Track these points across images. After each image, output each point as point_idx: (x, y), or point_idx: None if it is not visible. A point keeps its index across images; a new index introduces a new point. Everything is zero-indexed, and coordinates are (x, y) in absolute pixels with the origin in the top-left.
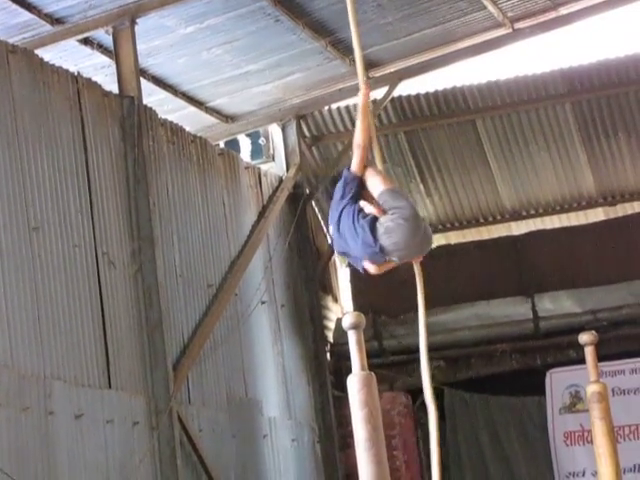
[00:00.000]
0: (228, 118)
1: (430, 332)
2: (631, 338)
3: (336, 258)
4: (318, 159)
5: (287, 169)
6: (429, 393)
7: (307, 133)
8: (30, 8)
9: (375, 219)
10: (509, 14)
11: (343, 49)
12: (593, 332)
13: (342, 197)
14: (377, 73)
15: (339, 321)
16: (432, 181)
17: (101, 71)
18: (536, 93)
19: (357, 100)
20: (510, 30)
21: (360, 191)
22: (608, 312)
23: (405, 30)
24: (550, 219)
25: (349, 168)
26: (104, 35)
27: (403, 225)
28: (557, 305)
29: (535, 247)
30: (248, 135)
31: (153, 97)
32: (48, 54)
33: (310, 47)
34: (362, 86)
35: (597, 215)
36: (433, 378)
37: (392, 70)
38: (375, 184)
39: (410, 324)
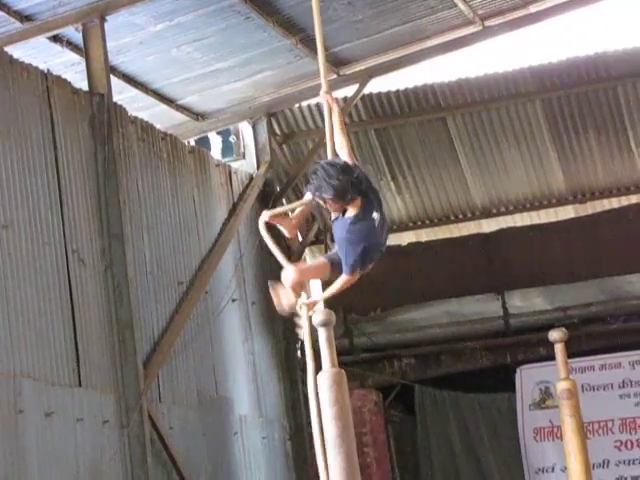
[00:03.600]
0: (198, 116)
1: (401, 329)
2: (601, 335)
3: (308, 258)
4: (289, 157)
5: (258, 167)
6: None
7: (278, 131)
8: None
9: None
10: (479, 12)
11: (313, 47)
12: (563, 329)
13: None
14: (347, 70)
15: (310, 318)
16: (403, 178)
17: (71, 68)
18: (506, 90)
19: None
20: (480, 28)
21: None
22: (578, 309)
23: (375, 28)
24: (520, 216)
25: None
26: (74, 32)
27: None
28: (527, 302)
29: (505, 244)
30: (219, 133)
31: (123, 95)
32: (17, 51)
33: (280, 45)
34: (327, 88)
35: (567, 212)
36: (404, 375)
37: (362, 67)
38: None
39: (380, 322)
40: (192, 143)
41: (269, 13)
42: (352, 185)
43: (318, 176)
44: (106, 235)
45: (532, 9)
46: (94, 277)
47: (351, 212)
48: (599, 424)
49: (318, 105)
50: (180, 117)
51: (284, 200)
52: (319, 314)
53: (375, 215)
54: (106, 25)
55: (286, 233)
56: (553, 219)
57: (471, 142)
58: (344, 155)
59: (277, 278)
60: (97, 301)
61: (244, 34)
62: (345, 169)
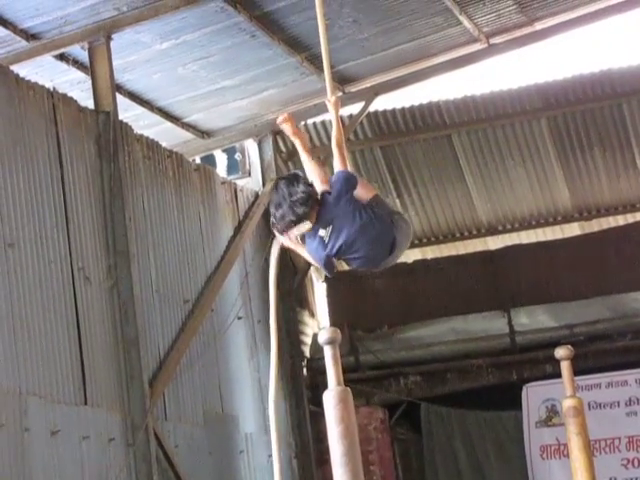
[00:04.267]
0: (204, 133)
1: (407, 347)
2: (607, 352)
3: (313, 275)
4: None
5: (263, 184)
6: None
7: (283, 148)
8: (6, 24)
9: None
10: (485, 29)
11: (319, 65)
12: (569, 346)
13: (346, 192)
14: (353, 88)
15: (315, 336)
16: (408, 196)
17: (77, 87)
18: (512, 108)
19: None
20: (486, 45)
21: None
22: (584, 326)
23: (381, 45)
24: (526, 234)
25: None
26: (80, 51)
27: (410, 226)
28: (533, 320)
29: (511, 262)
30: (224, 150)
31: (129, 112)
32: (24, 70)
33: (286, 63)
34: (331, 96)
35: (573, 230)
36: (410, 393)
37: (368, 85)
38: (366, 188)
39: (386, 339)
40: (197, 161)
41: (274, 31)
42: (291, 210)
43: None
44: (112, 253)
45: (537, 27)
46: (100, 295)
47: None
48: (606, 442)
49: (324, 122)
50: (186, 135)
51: None
52: (324, 332)
53: (322, 232)
54: (112, 43)
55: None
56: (559, 236)
57: (476, 159)
58: (336, 165)
59: (283, 295)
60: (103, 319)
61: (250, 52)
62: (289, 192)
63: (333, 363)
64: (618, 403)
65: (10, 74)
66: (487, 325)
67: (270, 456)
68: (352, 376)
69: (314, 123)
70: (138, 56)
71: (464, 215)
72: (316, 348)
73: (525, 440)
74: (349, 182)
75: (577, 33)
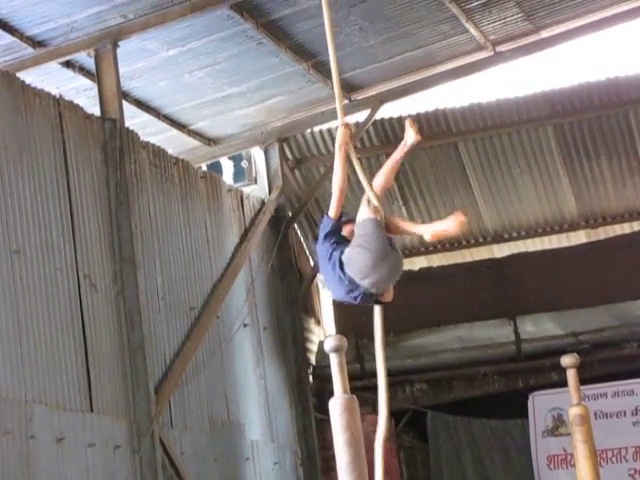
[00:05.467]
0: (210, 141)
1: (413, 355)
2: (613, 361)
3: (320, 282)
4: (300, 182)
5: (269, 192)
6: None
7: (289, 156)
8: (12, 31)
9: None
10: (491, 37)
11: (325, 72)
12: (575, 355)
13: (323, 242)
14: (359, 96)
15: (321, 344)
16: (414, 203)
17: (83, 94)
18: (518, 116)
19: (339, 128)
20: (492, 53)
21: (339, 235)
22: (590, 334)
23: (387, 53)
24: (532, 241)
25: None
26: (86, 58)
27: (363, 252)
28: (539, 327)
29: (517, 269)
30: (230, 158)
31: (135, 120)
32: (30, 77)
33: (292, 70)
34: (341, 126)
35: (579, 238)
36: (416, 400)
37: (374, 93)
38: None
39: (392, 347)
40: (204, 168)
41: (281, 39)
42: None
43: None
44: (118, 260)
45: (544, 34)
46: (106, 302)
47: None
48: (612, 452)
49: (330, 130)
50: (192, 142)
51: (296, 225)
52: (330, 340)
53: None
54: (118, 50)
55: None
56: (565, 244)
57: (482, 167)
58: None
59: (289, 303)
60: (109, 326)
61: (256, 59)
62: None
63: (339, 371)
64: (624, 412)
65: (16, 81)
66: (493, 333)
67: (275, 463)
68: (358, 384)
69: (320, 131)
70: (144, 63)
71: (470, 223)
72: (322, 356)
73: (532, 450)
74: (321, 230)
75: (583, 41)
